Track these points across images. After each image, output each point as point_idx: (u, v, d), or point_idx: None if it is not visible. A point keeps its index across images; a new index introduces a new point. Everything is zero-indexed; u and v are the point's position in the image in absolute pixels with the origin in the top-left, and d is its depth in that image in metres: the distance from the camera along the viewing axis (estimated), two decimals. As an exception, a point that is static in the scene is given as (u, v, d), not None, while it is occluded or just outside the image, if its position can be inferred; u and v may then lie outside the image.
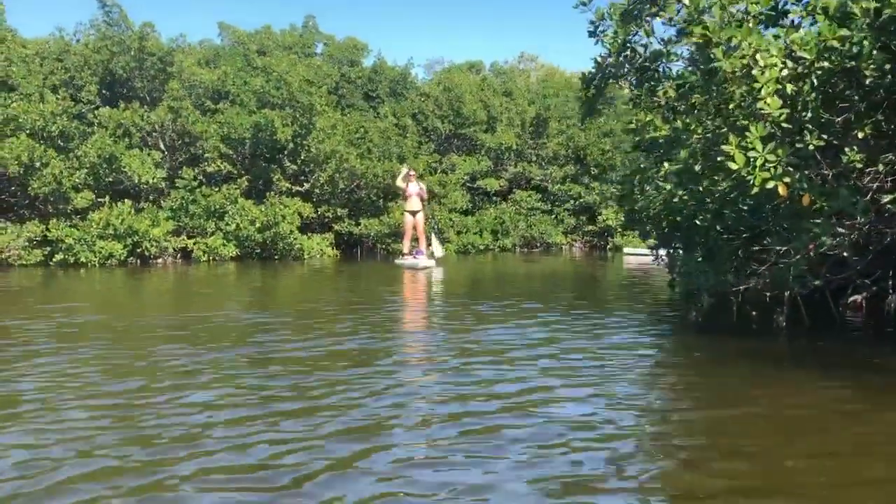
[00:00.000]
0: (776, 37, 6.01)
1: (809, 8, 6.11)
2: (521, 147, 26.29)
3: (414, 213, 17.60)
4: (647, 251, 21.34)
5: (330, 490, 3.45)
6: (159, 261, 18.00)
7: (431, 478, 3.60)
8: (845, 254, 6.43)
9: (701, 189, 6.84)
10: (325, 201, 20.89)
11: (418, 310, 10.00)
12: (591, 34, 7.87)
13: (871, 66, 5.63)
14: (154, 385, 5.31)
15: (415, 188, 17.52)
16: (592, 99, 7.41)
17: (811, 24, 6.27)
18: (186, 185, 18.47)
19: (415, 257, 17.10)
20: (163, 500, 3.36)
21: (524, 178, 26.22)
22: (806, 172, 5.85)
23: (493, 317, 8.62)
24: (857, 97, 6.14)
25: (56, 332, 7.56)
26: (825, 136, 6.03)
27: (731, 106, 5.90)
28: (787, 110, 5.71)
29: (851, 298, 8.24)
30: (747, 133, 5.58)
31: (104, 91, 19.84)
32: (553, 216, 25.77)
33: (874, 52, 5.58)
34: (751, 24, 5.75)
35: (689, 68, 6.79)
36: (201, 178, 19.06)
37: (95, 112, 18.77)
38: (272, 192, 19.68)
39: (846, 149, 6.01)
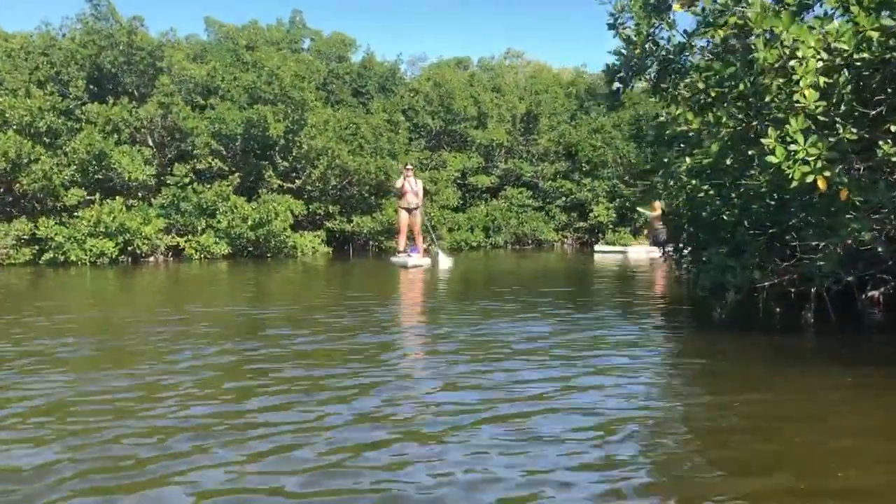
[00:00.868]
0: (810, 27, 5.90)
1: (844, -2, 5.99)
2: (511, 143, 26.19)
3: (410, 210, 17.39)
4: (616, 248, 21.79)
5: (336, 482, 3.42)
6: (151, 259, 17.69)
7: (432, 472, 3.54)
8: (880, 249, 6.33)
9: (727, 184, 6.73)
10: (317, 198, 20.66)
11: (438, 306, 9.82)
12: (611, 27, 7.73)
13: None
14: (152, 384, 5.21)
15: (411, 185, 17.28)
16: (616, 92, 7.29)
17: (842, 16, 6.17)
18: (178, 181, 18.15)
19: (409, 255, 16.90)
20: (162, 496, 3.31)
21: (515, 174, 26.11)
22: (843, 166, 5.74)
23: (496, 311, 8.58)
24: (890, 90, 6.05)
25: (67, 328, 7.34)
26: (856, 130, 5.94)
27: (766, 98, 5.77)
28: (823, 103, 5.60)
29: (870, 293, 8.17)
30: (786, 126, 5.47)
31: (91, 86, 19.44)
32: (544, 213, 25.68)
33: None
34: (785, 14, 5.63)
35: (715, 60, 6.65)
36: (191, 175, 18.75)
37: (83, 108, 18.39)
38: (264, 190, 19.43)
39: (880, 142, 5.92)
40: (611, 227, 24.89)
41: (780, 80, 5.74)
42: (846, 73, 5.84)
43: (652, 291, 11.27)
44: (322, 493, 3.31)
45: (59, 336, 7.03)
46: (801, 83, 5.56)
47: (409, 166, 17.68)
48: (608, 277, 13.98)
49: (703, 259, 6.99)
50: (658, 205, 20.07)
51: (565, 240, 26.09)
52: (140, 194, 18.52)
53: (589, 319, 8.02)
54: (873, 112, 6.04)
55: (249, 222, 18.17)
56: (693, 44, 7.23)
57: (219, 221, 18.24)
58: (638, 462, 3.68)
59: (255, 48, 22.99)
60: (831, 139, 5.81)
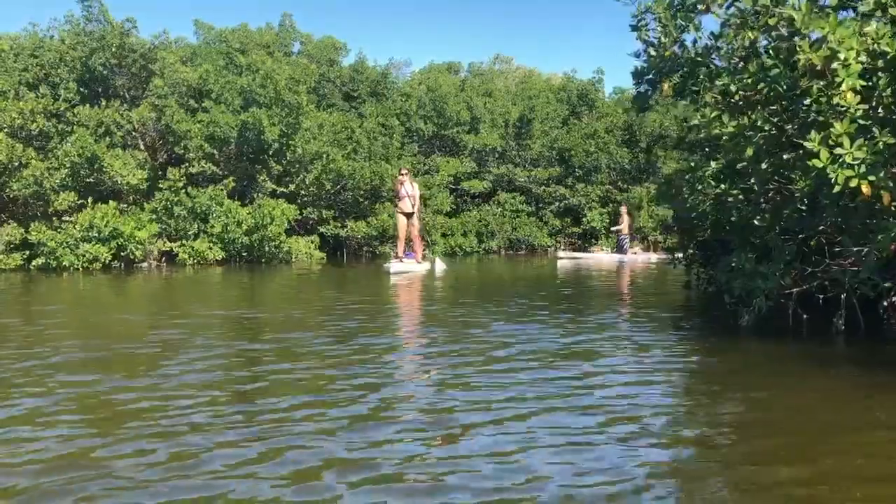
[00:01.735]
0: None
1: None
2: (504, 148, 26.05)
3: (407, 216, 17.15)
4: (578, 254, 21.75)
5: (336, 482, 3.40)
6: (144, 264, 17.36)
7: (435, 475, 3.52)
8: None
9: (758, 188, 6.63)
10: (311, 203, 20.42)
11: (438, 309, 9.66)
12: (634, 28, 7.64)
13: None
14: (151, 384, 5.21)
15: (407, 189, 17.02)
16: (645, 94, 7.18)
17: (881, 18, 6.08)
18: (171, 185, 17.84)
19: (402, 261, 16.66)
20: (161, 493, 3.28)
21: (508, 179, 25.95)
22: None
23: (498, 315, 8.60)
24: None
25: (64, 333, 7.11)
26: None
27: (807, 101, 5.67)
28: (864, 106, 5.51)
29: (894, 300, 8.08)
30: (831, 129, 5.36)
31: (81, 88, 19.10)
32: (537, 218, 25.57)
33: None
34: (833, 16, 5.53)
35: (749, 62, 6.55)
36: (185, 179, 18.45)
37: (74, 110, 18.05)
38: (258, 194, 19.17)
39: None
40: (604, 232, 24.80)
41: (821, 83, 5.65)
42: (885, 77, 5.75)
43: (659, 296, 11.17)
44: (322, 493, 3.30)
45: (55, 341, 6.91)
46: (844, 86, 5.47)
47: (404, 171, 17.45)
48: (608, 280, 13.87)
49: (732, 265, 6.85)
50: (626, 218, 21.54)
51: (559, 245, 25.95)
52: (132, 198, 18.21)
53: (606, 323, 7.97)
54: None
55: (244, 227, 17.89)
56: (719, 46, 7.15)
57: (212, 226, 17.94)
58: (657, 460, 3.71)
59: (246, 51, 22.72)
60: (873, 143, 5.72)
